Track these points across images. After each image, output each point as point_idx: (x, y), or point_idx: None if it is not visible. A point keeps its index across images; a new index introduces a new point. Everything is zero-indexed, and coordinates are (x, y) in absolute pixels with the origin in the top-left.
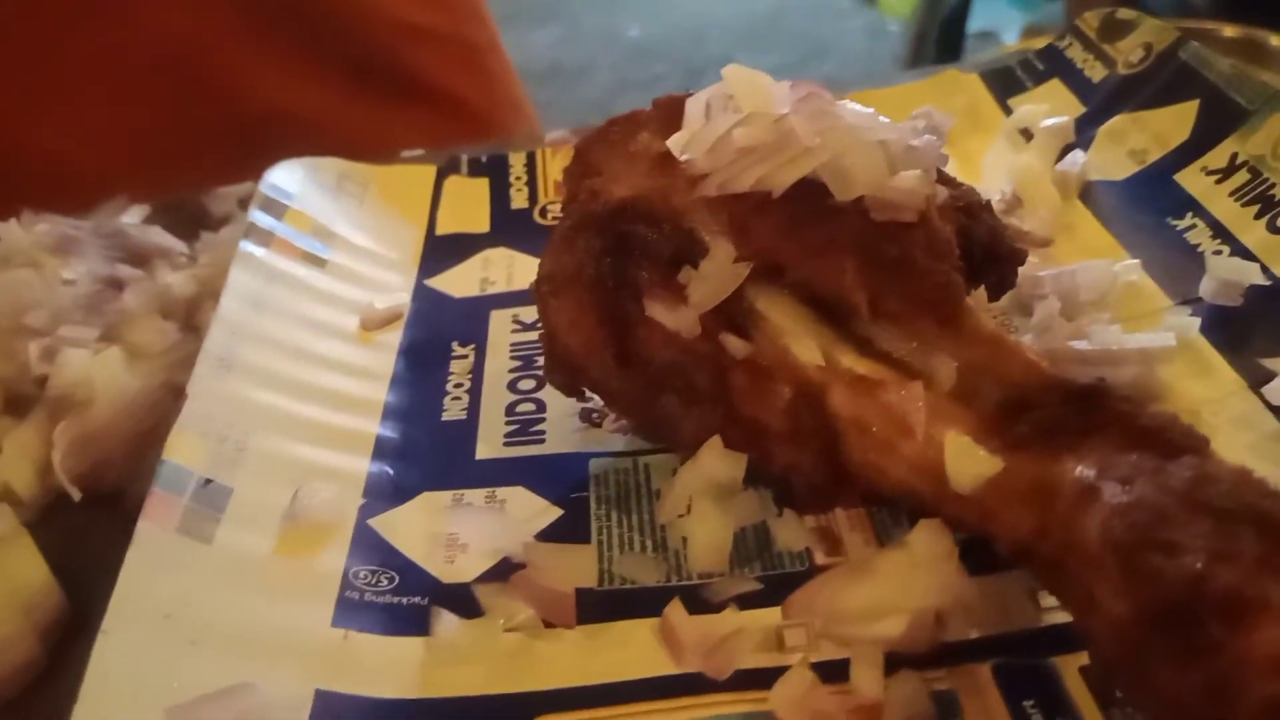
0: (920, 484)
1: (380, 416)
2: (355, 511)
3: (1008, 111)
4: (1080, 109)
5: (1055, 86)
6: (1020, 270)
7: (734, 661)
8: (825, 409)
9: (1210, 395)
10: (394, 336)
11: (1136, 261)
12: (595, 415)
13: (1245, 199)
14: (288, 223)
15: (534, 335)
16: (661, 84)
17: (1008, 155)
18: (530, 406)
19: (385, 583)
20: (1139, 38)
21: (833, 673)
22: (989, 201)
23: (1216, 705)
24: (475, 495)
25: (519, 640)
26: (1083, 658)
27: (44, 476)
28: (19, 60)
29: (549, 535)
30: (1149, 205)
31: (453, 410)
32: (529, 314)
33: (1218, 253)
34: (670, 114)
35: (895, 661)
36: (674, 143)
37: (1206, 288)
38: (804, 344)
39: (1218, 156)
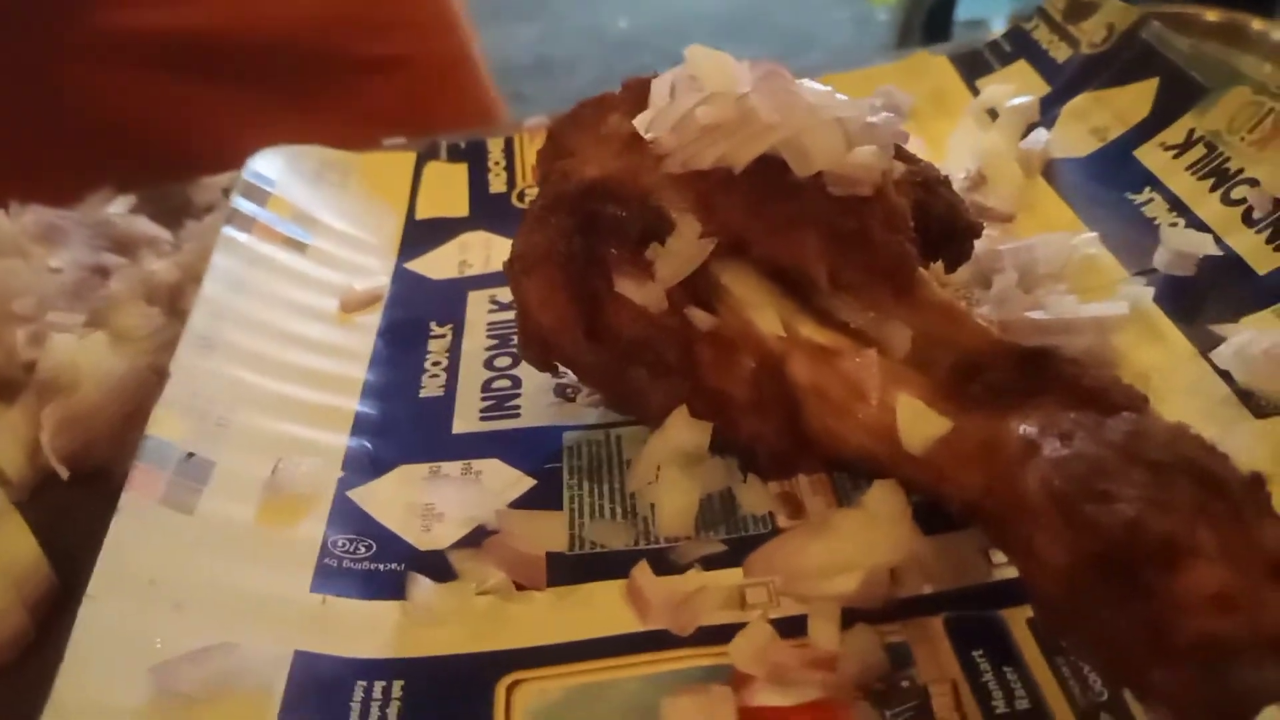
0: (876, 447)
1: (359, 394)
2: (334, 484)
3: (975, 93)
4: (1046, 89)
5: (1021, 67)
6: (981, 244)
7: (697, 618)
8: (786, 378)
9: (1162, 362)
10: (373, 318)
11: (1095, 235)
12: (569, 390)
13: (1201, 173)
14: (269, 209)
15: (510, 315)
16: None
17: (973, 134)
18: (506, 383)
19: (363, 550)
20: (1102, 18)
21: (792, 628)
22: (947, 177)
23: (1153, 643)
24: (451, 467)
25: (491, 602)
26: (1030, 610)
27: (32, 457)
28: None
29: (522, 504)
30: (1109, 181)
31: (430, 387)
32: (506, 295)
33: (1174, 225)
34: (639, 95)
35: (852, 616)
36: (640, 122)
37: (1161, 259)
38: (766, 316)
39: (1175, 132)
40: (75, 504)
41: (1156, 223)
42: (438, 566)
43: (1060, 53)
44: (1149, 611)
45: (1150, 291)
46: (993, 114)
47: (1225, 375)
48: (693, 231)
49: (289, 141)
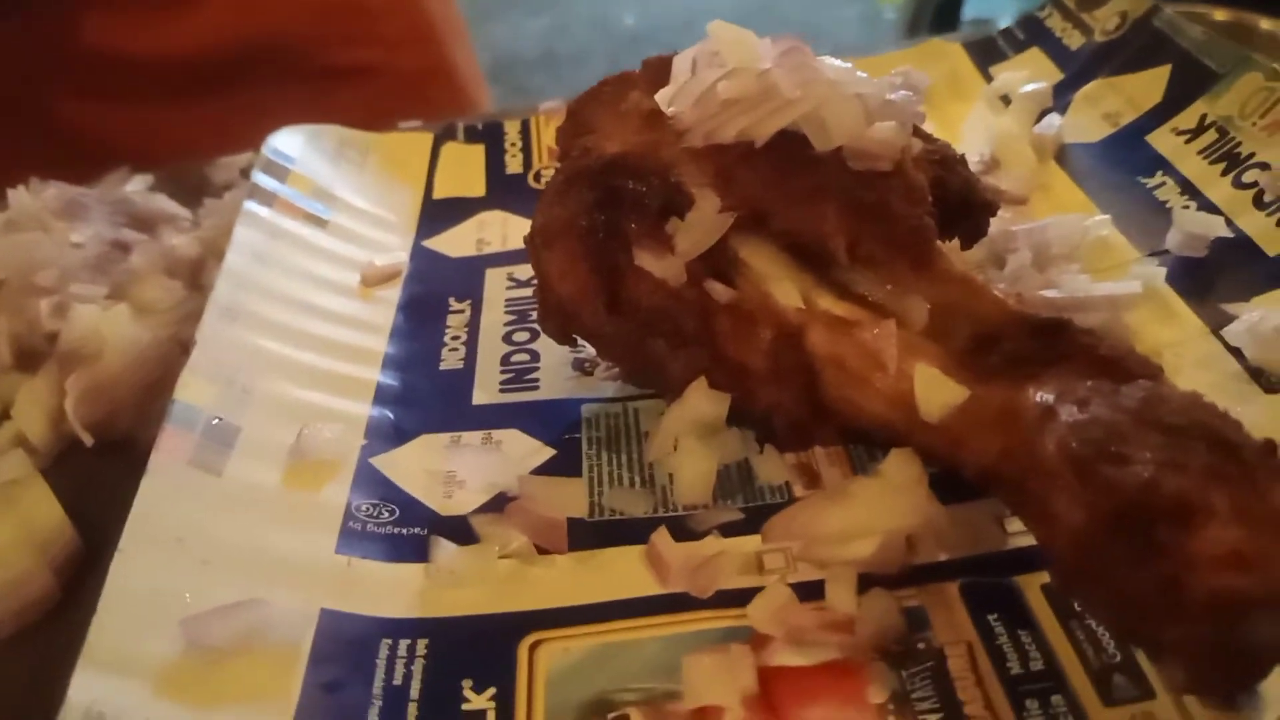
0: (893, 416)
1: (380, 365)
2: (357, 451)
3: (989, 79)
4: (1059, 76)
5: (1035, 55)
6: (996, 225)
7: (716, 582)
8: (804, 349)
9: (1174, 339)
10: (393, 292)
11: (1107, 217)
12: (587, 364)
13: (1213, 157)
14: (290, 185)
15: (529, 291)
16: None
17: (987, 119)
18: (525, 357)
19: (386, 515)
20: (1115, 6)
21: (809, 592)
22: (963, 156)
23: (1167, 600)
24: (472, 437)
25: (513, 565)
26: (1044, 577)
27: (56, 425)
28: None
29: (542, 472)
30: (1121, 165)
31: (450, 360)
32: (524, 272)
33: (1185, 208)
34: (659, 73)
35: (868, 581)
36: (662, 97)
37: (1173, 240)
38: (784, 288)
39: (1188, 118)
40: (99, 471)
41: (1168, 206)
42: (460, 531)
43: (1073, 40)
44: (1163, 569)
45: (1162, 271)
46: (1006, 100)
47: (1236, 352)
48: (712, 206)
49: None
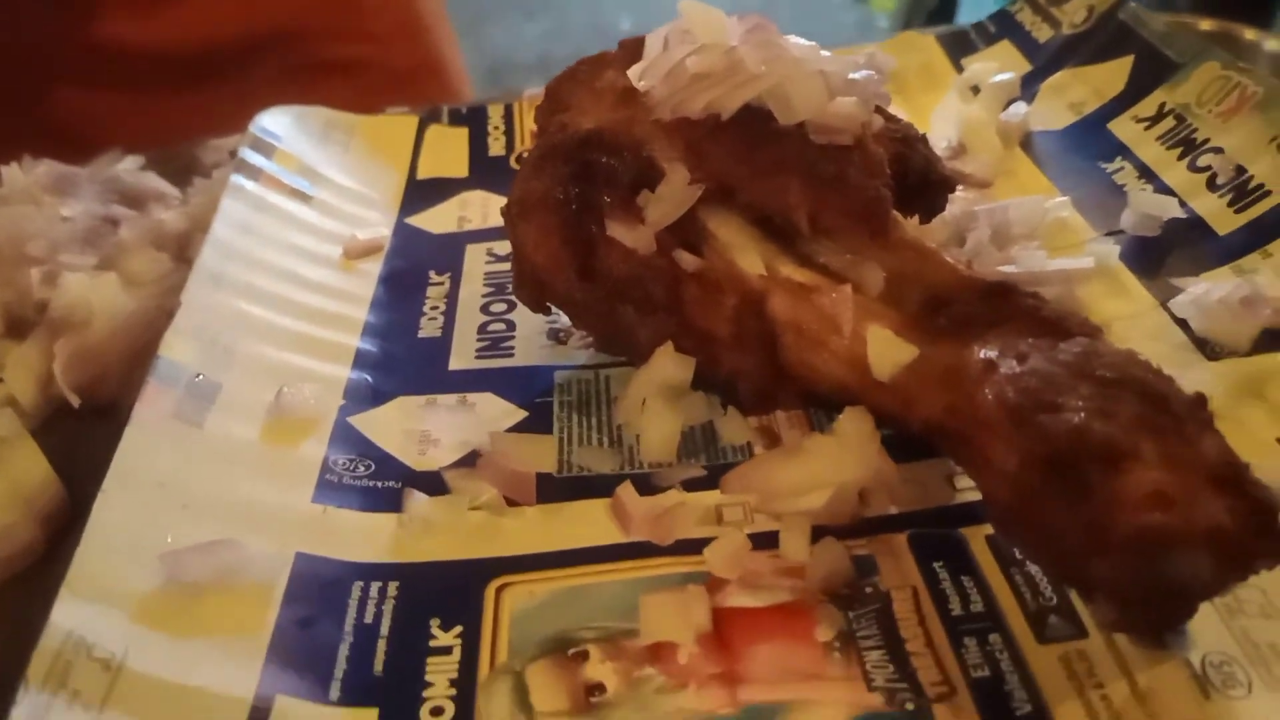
0: (848, 376)
1: (360, 332)
2: (335, 410)
3: (960, 70)
4: (1028, 67)
5: (1005, 47)
6: (959, 206)
7: (676, 531)
8: (766, 314)
9: (1125, 312)
10: (374, 266)
11: (1066, 199)
12: (561, 334)
13: (1170, 143)
14: (276, 162)
15: (507, 266)
16: None
17: (957, 107)
18: (501, 326)
19: (362, 469)
20: (1083, 0)
21: (765, 542)
22: (924, 135)
23: (1094, 538)
24: (447, 399)
25: (483, 516)
26: (989, 529)
27: (44, 388)
28: None
29: (514, 431)
30: (1083, 151)
31: (428, 329)
32: (503, 248)
33: (1142, 190)
34: (634, 53)
35: (821, 532)
36: (634, 72)
37: (1128, 220)
38: (749, 257)
39: (1147, 106)
40: (85, 432)
41: (1126, 188)
42: (433, 484)
43: (1042, 33)
44: (1091, 509)
45: (1116, 250)
46: (976, 90)
47: (1183, 324)
48: (681, 178)
49: None
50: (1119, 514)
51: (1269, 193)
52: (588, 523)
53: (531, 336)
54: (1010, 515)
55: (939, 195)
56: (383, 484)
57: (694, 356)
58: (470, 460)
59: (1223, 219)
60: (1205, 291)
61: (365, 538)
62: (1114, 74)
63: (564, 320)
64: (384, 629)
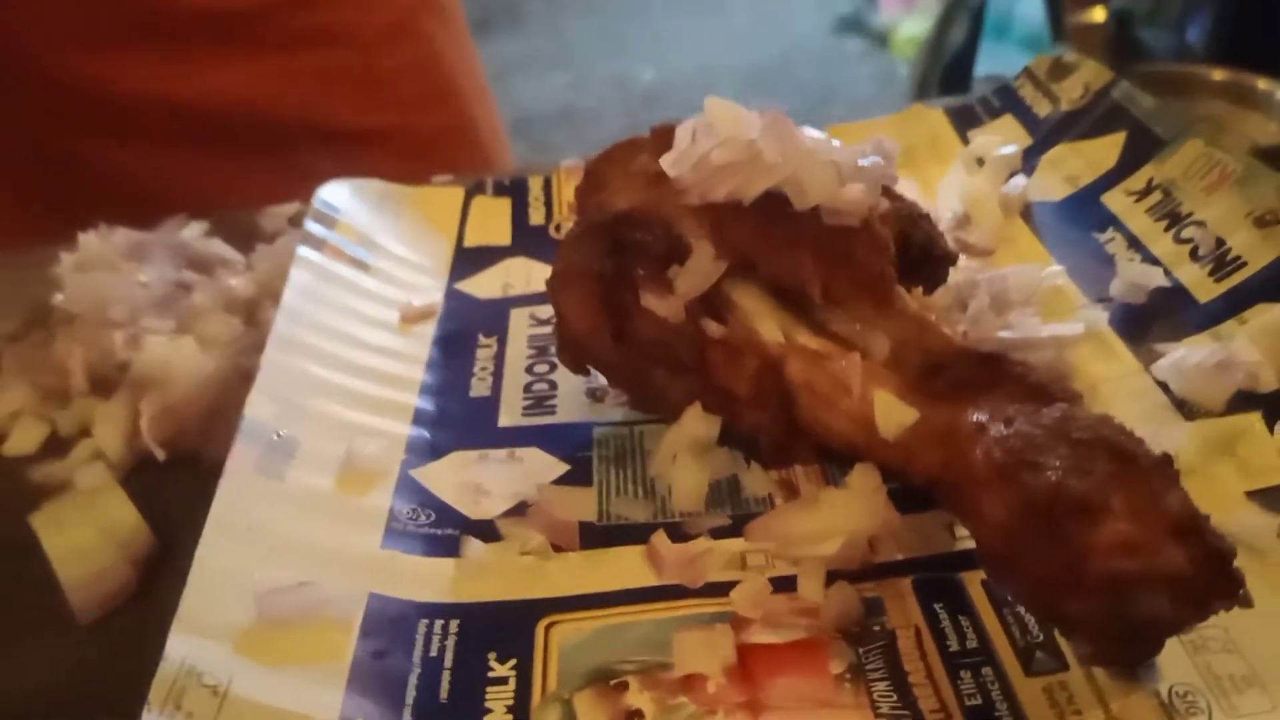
0: (857, 434)
1: (418, 391)
2: (399, 464)
3: (966, 142)
4: (1028, 140)
5: (1008, 121)
6: (962, 274)
7: (705, 575)
8: (783, 377)
9: (1112, 374)
10: (428, 329)
11: (1061, 268)
12: (598, 392)
13: (1157, 215)
14: (338, 232)
15: (548, 329)
16: None
17: (962, 179)
18: (544, 386)
19: (424, 518)
20: (1080, 78)
21: (784, 584)
22: (927, 213)
23: (1069, 580)
24: (497, 454)
25: (532, 561)
26: (984, 574)
27: (129, 442)
28: None
29: (559, 483)
30: (1078, 222)
31: (479, 388)
32: (544, 312)
33: (1130, 260)
34: (664, 139)
35: (834, 575)
36: (665, 161)
37: (1117, 288)
38: (768, 325)
39: (1138, 180)
40: (168, 482)
41: (1116, 258)
42: (487, 531)
43: (1042, 108)
44: (1067, 555)
45: (1106, 316)
46: (981, 162)
47: (1164, 386)
48: (707, 254)
49: None
50: (1091, 560)
51: (1245, 264)
52: (626, 567)
53: (572, 395)
54: (998, 560)
55: (940, 268)
56: (442, 531)
57: (719, 415)
58: (520, 510)
59: (1203, 288)
60: (1183, 356)
61: (428, 580)
62: (1107, 149)
63: (601, 380)
64: (448, 661)
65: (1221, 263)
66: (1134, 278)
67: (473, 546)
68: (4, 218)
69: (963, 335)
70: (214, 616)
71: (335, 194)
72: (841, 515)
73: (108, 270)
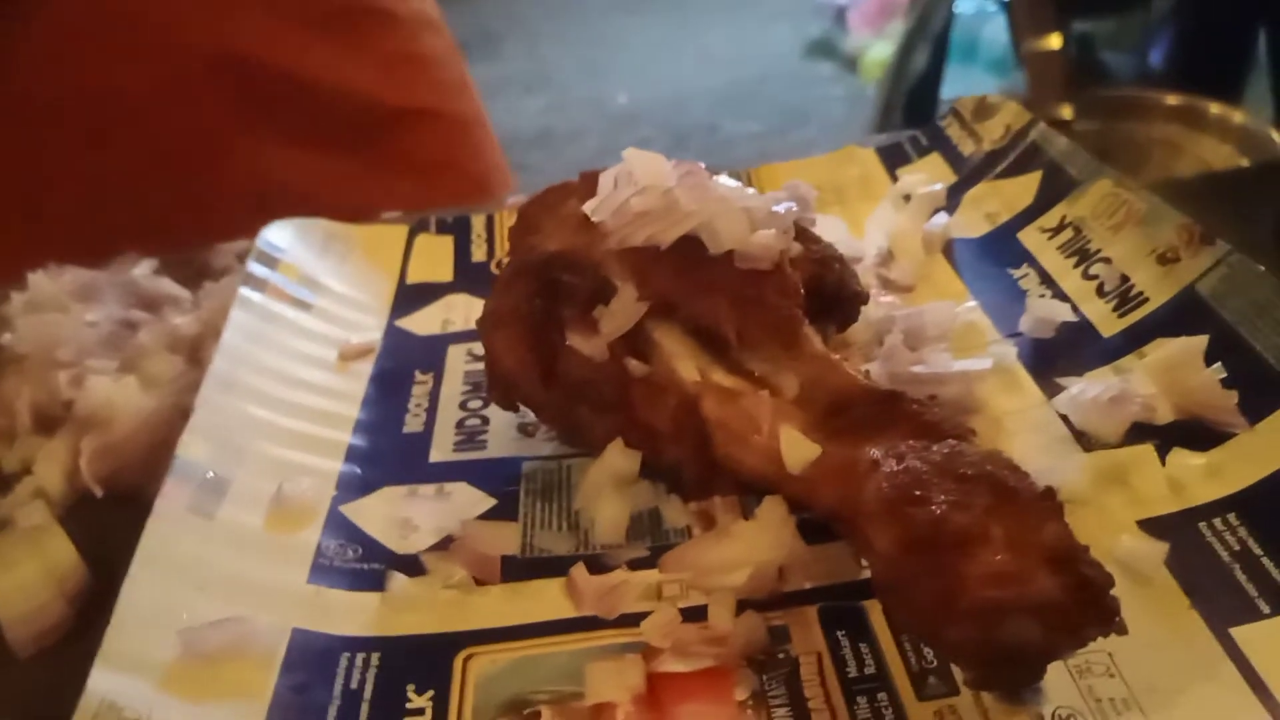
0: (766, 468)
1: (352, 428)
2: (329, 500)
3: (895, 180)
4: (953, 178)
5: (935, 159)
6: (881, 311)
7: (620, 606)
8: (700, 414)
9: (1015, 407)
10: (366, 366)
11: (976, 304)
12: (529, 428)
13: (1068, 252)
14: (280, 273)
15: (483, 365)
16: (648, 148)
17: (889, 216)
18: (477, 421)
19: (351, 554)
20: (1002, 119)
21: (697, 614)
22: (841, 254)
23: (946, 609)
24: (427, 489)
25: (455, 594)
26: None
27: (70, 479)
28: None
29: (484, 518)
30: (995, 258)
31: (412, 425)
32: (480, 349)
33: (1041, 296)
34: (592, 184)
35: (744, 605)
36: (588, 207)
37: (1026, 323)
38: (686, 365)
39: (1051, 218)
40: (108, 520)
41: (1028, 294)
42: (412, 566)
43: (966, 147)
44: (946, 585)
45: (1014, 350)
46: (908, 199)
47: (1065, 419)
48: (630, 296)
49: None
50: (965, 589)
51: (1147, 299)
52: (546, 599)
53: (504, 430)
54: (887, 590)
55: (852, 307)
56: (368, 566)
57: (640, 449)
58: (445, 544)
59: (1107, 323)
60: (1083, 389)
61: (352, 614)
62: (1024, 188)
63: (531, 415)
64: (367, 693)
65: (1125, 298)
66: (1043, 313)
67: (397, 581)
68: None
69: (865, 374)
70: (137, 652)
71: (278, 234)
72: (751, 546)
73: (57, 310)
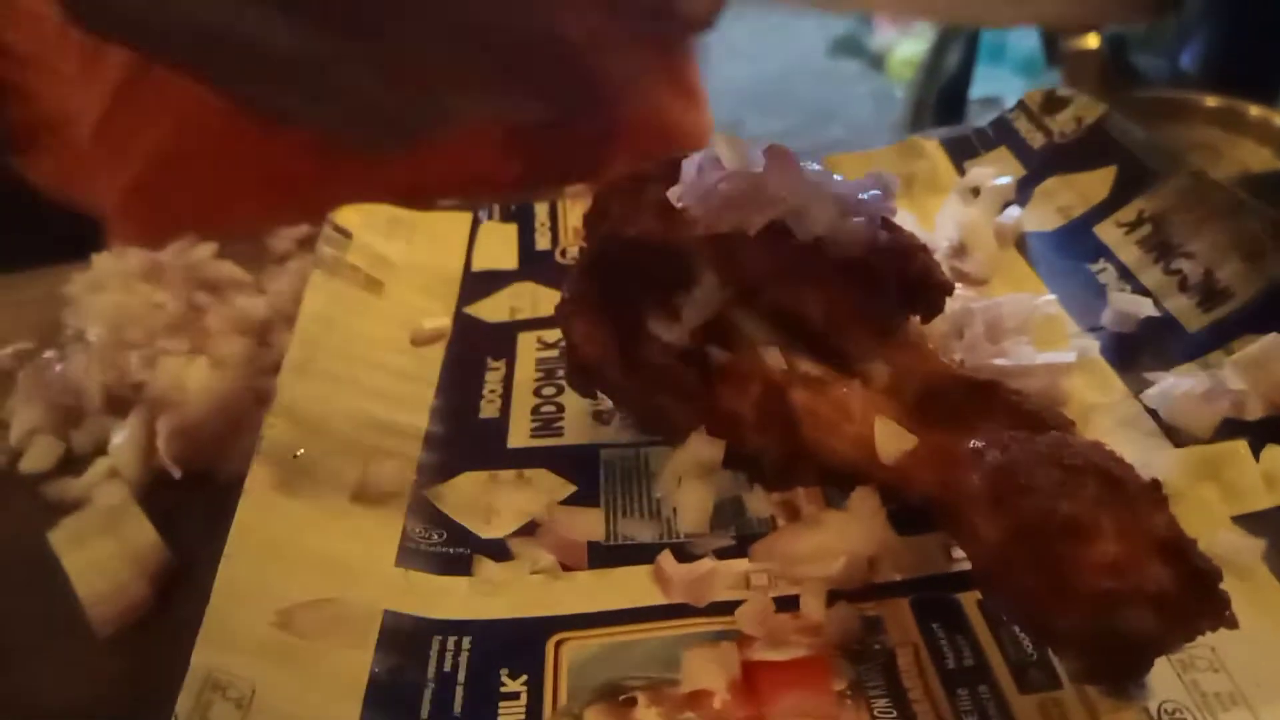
0: (858, 458)
1: (428, 413)
2: (411, 485)
3: (962, 174)
4: (1022, 172)
5: (1002, 153)
6: (958, 303)
7: (710, 594)
8: (786, 402)
9: (1103, 401)
10: (438, 351)
11: (1054, 297)
12: (605, 415)
13: (1147, 247)
14: (350, 256)
15: (555, 352)
16: None
17: (958, 209)
18: (552, 409)
19: (436, 537)
20: (1073, 112)
21: (787, 604)
22: (925, 244)
23: (1058, 599)
24: (507, 475)
25: (542, 579)
26: (980, 594)
27: (145, 461)
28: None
29: (567, 504)
30: (1070, 252)
31: (488, 411)
32: (551, 336)
33: (1121, 290)
34: (671, 170)
35: (835, 595)
36: (673, 193)
37: (1108, 318)
38: (771, 353)
39: (1128, 212)
40: (184, 500)
41: (1107, 288)
42: (498, 550)
43: (1036, 140)
44: (1057, 575)
45: (1097, 345)
46: (976, 192)
47: (1153, 413)
48: (713, 283)
49: None
50: (1079, 579)
51: (1233, 295)
52: (633, 586)
53: (579, 417)
54: (992, 580)
55: (937, 298)
56: (454, 550)
57: (723, 438)
58: (530, 529)
59: (1192, 318)
60: (1172, 384)
61: (441, 597)
62: (1099, 181)
63: (608, 403)
64: (461, 677)
65: (1210, 294)
66: (1125, 308)
67: (484, 565)
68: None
69: (959, 364)
70: (236, 631)
71: (347, 218)
72: (842, 536)
73: (123, 291)
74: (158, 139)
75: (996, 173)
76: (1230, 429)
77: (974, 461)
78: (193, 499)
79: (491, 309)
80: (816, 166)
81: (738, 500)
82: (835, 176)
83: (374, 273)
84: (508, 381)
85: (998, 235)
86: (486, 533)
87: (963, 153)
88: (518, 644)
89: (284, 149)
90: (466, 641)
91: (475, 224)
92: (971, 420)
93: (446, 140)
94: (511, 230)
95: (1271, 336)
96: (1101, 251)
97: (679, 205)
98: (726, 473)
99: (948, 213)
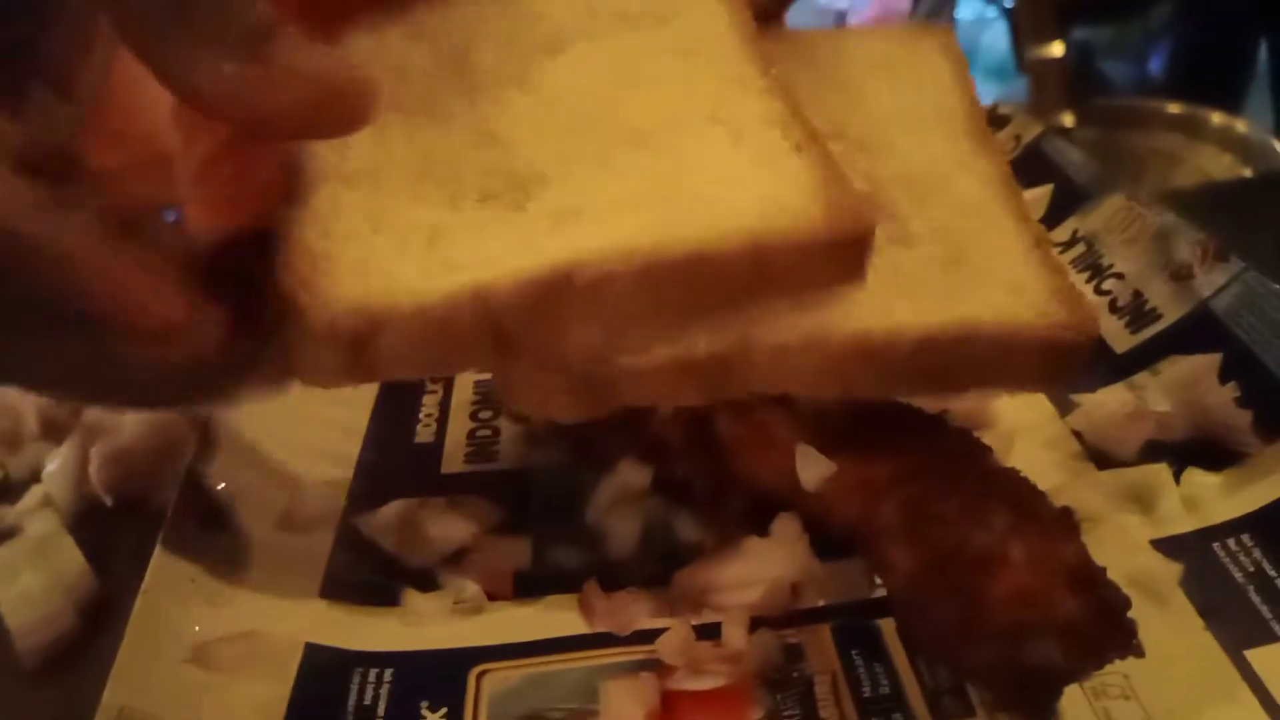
0: (781, 484)
1: (362, 439)
2: (339, 512)
3: None
4: None
5: None
6: None
7: (633, 623)
8: (713, 429)
9: (1029, 422)
10: None
11: None
12: (540, 437)
13: (1080, 267)
14: None
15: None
16: None
17: None
18: (487, 432)
19: (363, 566)
20: (1013, 130)
21: (710, 632)
22: None
23: (969, 630)
24: (437, 502)
25: (467, 609)
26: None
27: (79, 487)
28: None
29: (496, 531)
30: None
31: (423, 435)
32: None
33: None
34: None
35: (758, 622)
36: None
37: None
38: None
39: (1063, 232)
40: (116, 527)
41: None
42: (425, 580)
43: None
44: (968, 605)
45: None
46: None
47: (1078, 435)
48: None
49: None
50: (988, 610)
51: (1160, 316)
52: (558, 614)
53: (514, 442)
54: (906, 609)
55: None
56: (380, 580)
57: (653, 465)
58: (458, 558)
59: (1120, 338)
60: (1096, 406)
61: (365, 629)
62: (1036, 200)
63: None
64: (381, 709)
65: (1139, 314)
66: None
67: (410, 596)
68: None
69: None
70: (150, 667)
71: None
72: (765, 563)
73: None
74: None
75: None
76: (1154, 451)
77: (889, 490)
78: (124, 527)
79: None
80: None
81: (667, 526)
82: None
83: None
84: (444, 405)
85: None
86: (414, 561)
87: None
88: (440, 676)
89: None
90: (389, 674)
91: None
92: (895, 447)
93: None
94: None
95: (1196, 358)
96: None
97: None
98: (656, 500)
99: None
